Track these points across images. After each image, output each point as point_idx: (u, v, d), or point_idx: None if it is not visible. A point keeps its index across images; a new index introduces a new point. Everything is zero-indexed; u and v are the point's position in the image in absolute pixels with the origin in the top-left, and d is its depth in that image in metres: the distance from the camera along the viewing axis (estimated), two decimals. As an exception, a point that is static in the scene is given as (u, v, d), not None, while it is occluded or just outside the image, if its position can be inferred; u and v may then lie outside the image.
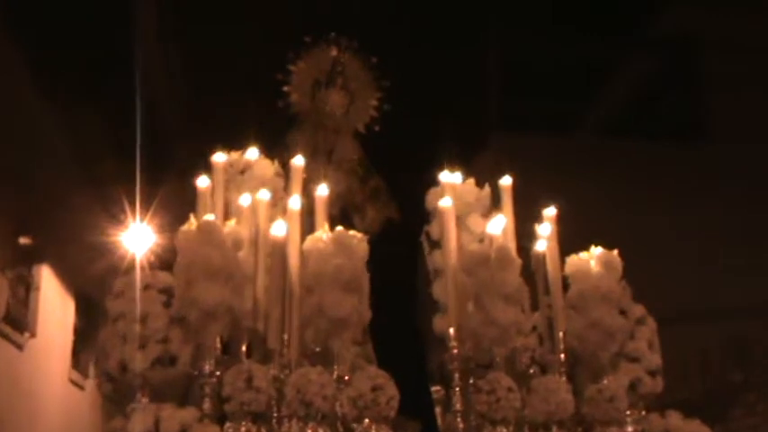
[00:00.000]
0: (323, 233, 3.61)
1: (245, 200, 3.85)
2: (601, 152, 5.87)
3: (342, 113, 4.61)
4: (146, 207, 4.24)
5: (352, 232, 3.58)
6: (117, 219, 4.27)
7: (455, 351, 3.58)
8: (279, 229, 3.66)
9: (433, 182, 4.04)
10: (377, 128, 4.62)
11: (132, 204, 4.27)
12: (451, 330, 3.60)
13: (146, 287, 3.59)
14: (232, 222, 3.68)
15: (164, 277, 3.64)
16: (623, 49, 5.67)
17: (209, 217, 3.57)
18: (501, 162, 4.05)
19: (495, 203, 4.01)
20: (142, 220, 3.92)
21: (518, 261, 3.65)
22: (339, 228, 3.59)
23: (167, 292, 3.57)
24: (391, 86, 4.60)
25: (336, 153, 4.58)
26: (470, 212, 4.07)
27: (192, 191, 3.76)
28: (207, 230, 3.51)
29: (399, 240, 4.23)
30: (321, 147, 4.54)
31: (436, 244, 3.92)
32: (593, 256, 3.73)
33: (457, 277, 3.67)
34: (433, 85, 5.14)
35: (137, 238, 3.82)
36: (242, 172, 4.10)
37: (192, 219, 3.59)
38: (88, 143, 5.28)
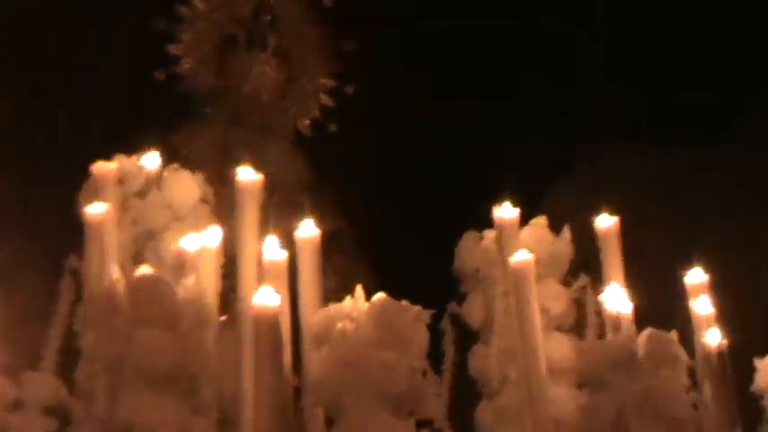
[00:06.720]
0: (354, 303, 2.19)
1: (189, 243, 2.23)
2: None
3: (273, 99, 3.12)
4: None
5: (404, 303, 2.18)
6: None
7: None
8: (266, 297, 2.13)
9: (451, 224, 2.70)
10: (333, 127, 3.15)
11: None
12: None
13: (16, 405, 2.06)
14: (190, 281, 2.04)
15: (46, 383, 1.98)
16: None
17: (146, 270, 2.00)
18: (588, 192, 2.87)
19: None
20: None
21: (685, 360, 2.30)
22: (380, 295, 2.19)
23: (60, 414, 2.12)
24: (361, 53, 3.08)
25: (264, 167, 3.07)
26: (543, 276, 2.57)
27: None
28: (149, 296, 1.91)
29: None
30: (234, 155, 2.90)
31: (473, 336, 2.63)
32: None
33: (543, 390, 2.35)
34: (448, 51, 3.45)
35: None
36: (141, 194, 2.55)
37: (116, 271, 1.94)
38: None
